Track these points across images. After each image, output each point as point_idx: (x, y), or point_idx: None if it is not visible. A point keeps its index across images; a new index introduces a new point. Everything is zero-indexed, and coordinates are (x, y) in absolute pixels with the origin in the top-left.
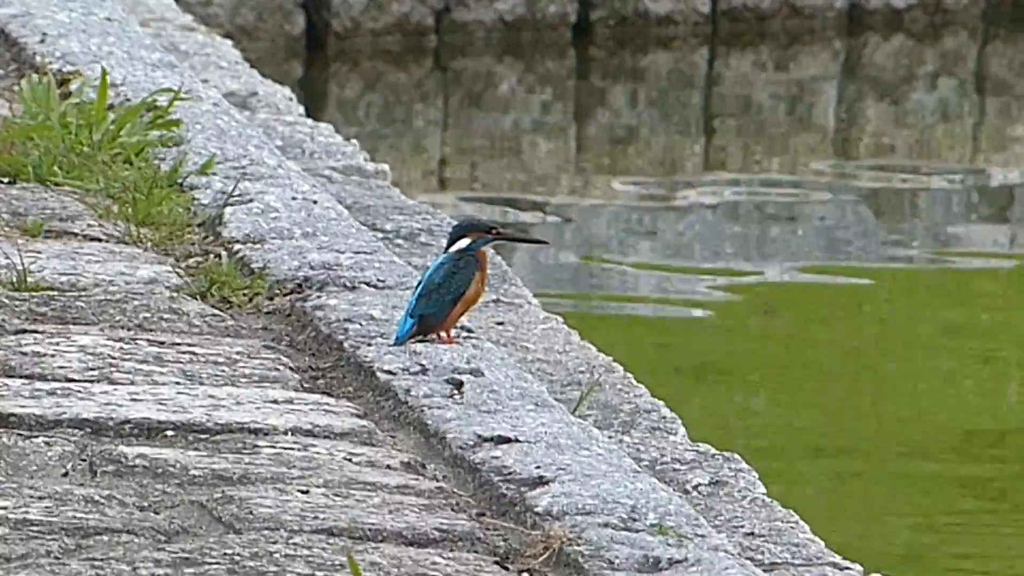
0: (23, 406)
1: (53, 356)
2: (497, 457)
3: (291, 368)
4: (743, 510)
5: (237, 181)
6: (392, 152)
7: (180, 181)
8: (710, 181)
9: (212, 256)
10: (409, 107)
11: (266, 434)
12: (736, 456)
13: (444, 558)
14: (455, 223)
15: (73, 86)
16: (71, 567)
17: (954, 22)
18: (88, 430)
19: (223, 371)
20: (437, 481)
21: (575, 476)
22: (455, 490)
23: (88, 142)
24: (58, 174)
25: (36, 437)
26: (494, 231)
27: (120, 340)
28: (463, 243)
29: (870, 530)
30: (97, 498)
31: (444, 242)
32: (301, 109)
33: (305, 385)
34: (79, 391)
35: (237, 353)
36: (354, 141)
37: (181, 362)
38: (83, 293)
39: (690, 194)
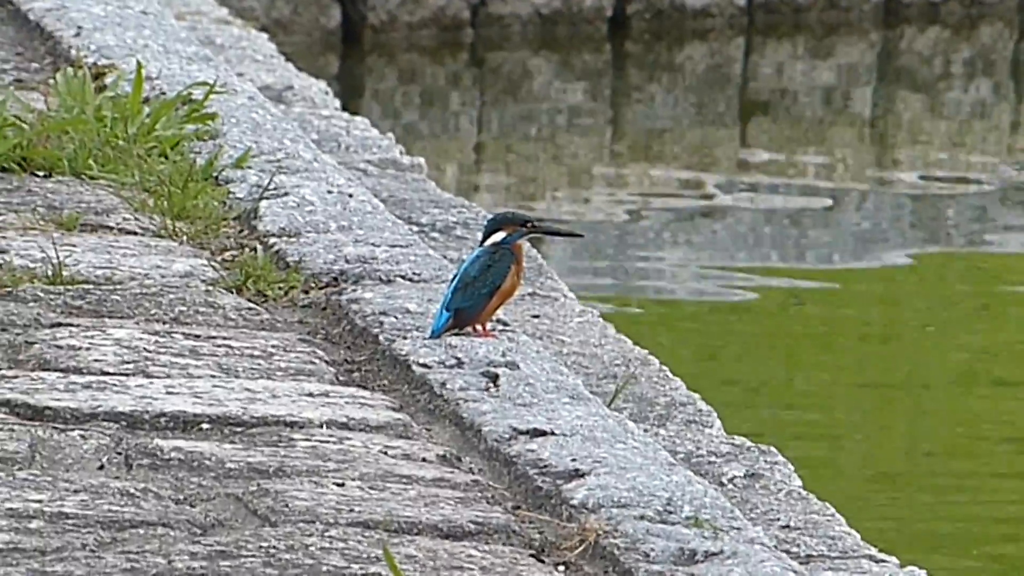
0: (59, 399)
1: (88, 350)
2: (533, 450)
3: (327, 361)
4: (779, 503)
5: (272, 175)
6: (428, 145)
7: (215, 175)
8: (746, 173)
9: (248, 250)
10: (445, 101)
11: (302, 427)
12: (772, 449)
13: (480, 551)
14: (490, 216)
15: (108, 79)
16: (107, 560)
17: (990, 14)
18: (124, 423)
19: (259, 364)
20: (473, 474)
21: (611, 469)
22: (491, 483)
23: (123, 136)
24: (93, 168)
25: (72, 430)
26: (529, 224)
27: (156, 333)
28: (498, 236)
29: (904, 522)
30: (133, 491)
31: (480, 235)
32: (337, 103)
33: (341, 378)
34: (115, 384)
35: (273, 346)
36: (390, 135)
37: (217, 355)
38: (118, 287)
39: (726, 186)
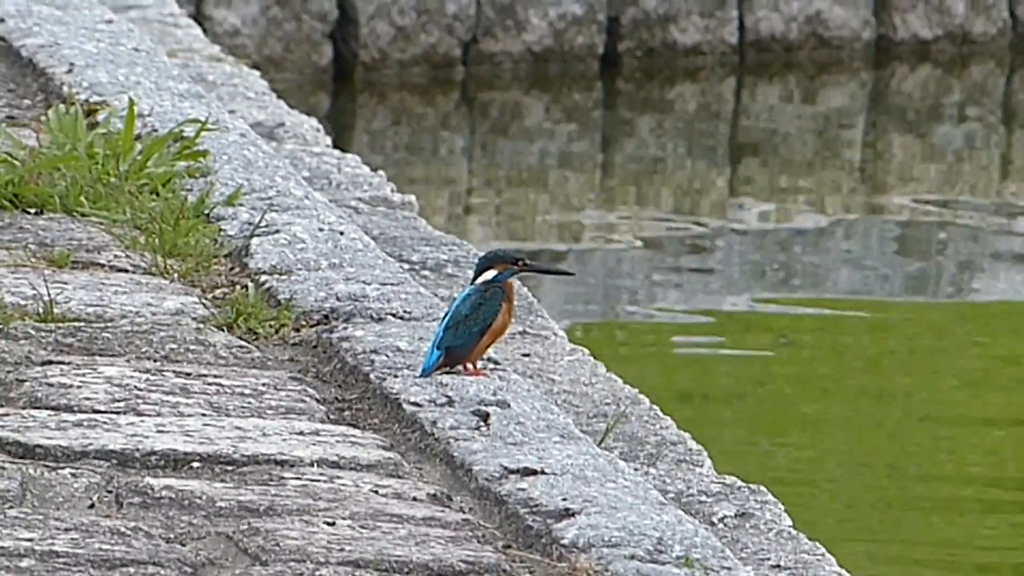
0: (49, 437)
1: (79, 387)
2: (523, 489)
3: (317, 400)
4: (769, 542)
5: (264, 212)
6: (419, 183)
7: (207, 212)
8: (736, 212)
9: (239, 287)
10: (436, 138)
11: (292, 466)
12: (762, 488)
13: None
14: (481, 254)
15: (100, 116)
16: None
17: (981, 52)
18: (114, 461)
19: (249, 403)
20: (463, 513)
21: (601, 508)
22: (481, 522)
23: (115, 172)
24: (85, 204)
25: (62, 468)
26: (520, 262)
27: (146, 371)
28: (490, 274)
29: (896, 565)
30: (123, 530)
31: (471, 273)
32: (328, 140)
33: (331, 417)
34: (105, 422)
35: (263, 384)
36: (381, 172)
37: (207, 393)
38: (109, 324)
39: (716, 225)
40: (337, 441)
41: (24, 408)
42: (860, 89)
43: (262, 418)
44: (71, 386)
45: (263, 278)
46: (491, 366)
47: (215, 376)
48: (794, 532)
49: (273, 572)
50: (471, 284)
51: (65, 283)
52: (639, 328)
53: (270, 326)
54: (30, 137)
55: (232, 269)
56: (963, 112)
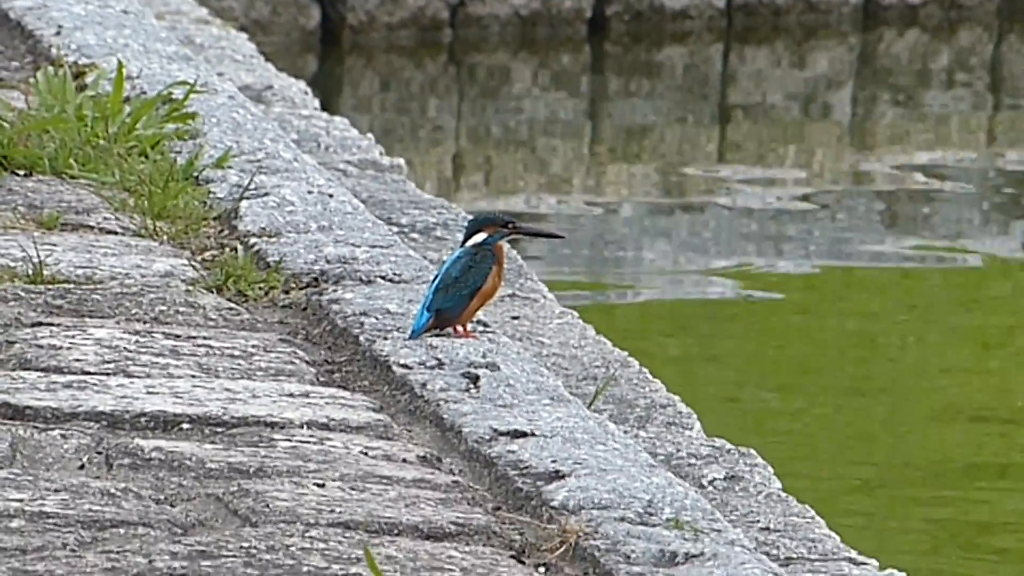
0: (39, 399)
1: (69, 349)
2: (513, 451)
3: (307, 362)
4: (759, 505)
5: (253, 175)
6: (407, 146)
7: (196, 174)
8: (724, 175)
9: (228, 249)
10: (423, 101)
11: (282, 427)
12: (751, 451)
13: (460, 552)
14: (471, 217)
15: (89, 79)
16: (87, 559)
17: (969, 17)
18: (104, 423)
19: (239, 364)
20: (453, 475)
21: (591, 470)
22: (471, 484)
23: (104, 135)
24: (74, 167)
25: (52, 430)
26: (511, 225)
27: (136, 333)
28: (479, 237)
29: (885, 525)
30: (113, 491)
31: (460, 236)
32: (316, 103)
33: (321, 379)
34: (95, 384)
35: (253, 346)
36: (369, 135)
37: (197, 355)
38: (99, 286)
39: (704, 187)
40: (327, 403)
41: (14, 370)
42: (848, 53)
43: (252, 380)
44: (61, 348)
45: (252, 240)
46: (481, 328)
47: (205, 338)
48: (783, 495)
49: (263, 533)
50: (461, 247)
51: (54, 245)
52: (627, 291)
53: (259, 288)
54: (19, 99)
55: (221, 231)
56: (951, 77)
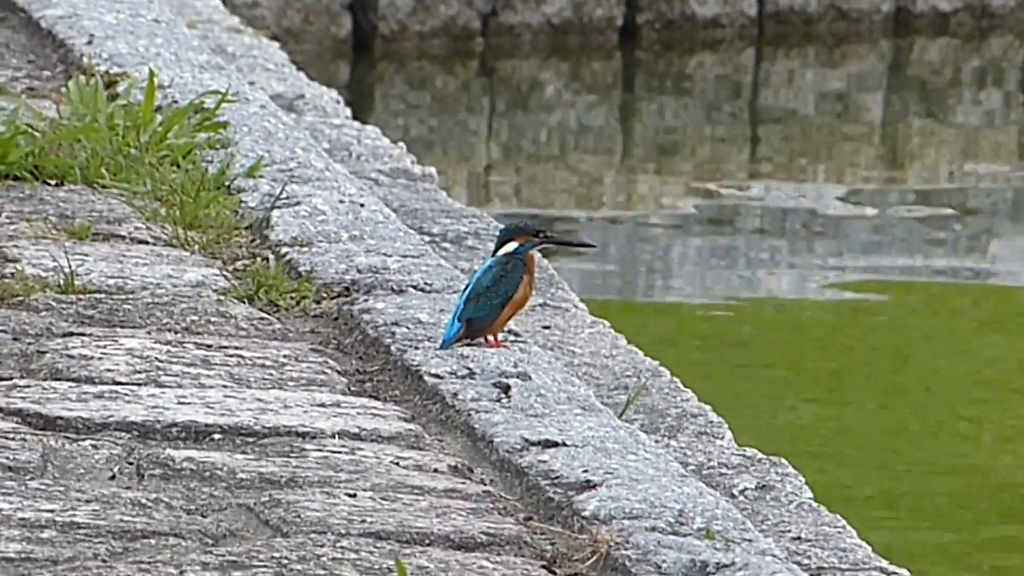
0: (70, 409)
1: (100, 359)
2: (544, 461)
3: (338, 371)
4: (790, 514)
5: (284, 184)
6: (438, 155)
7: (227, 183)
8: (756, 183)
9: (259, 259)
10: (455, 110)
11: (313, 437)
12: (783, 460)
13: (491, 562)
14: (502, 227)
15: (120, 88)
16: (118, 570)
17: (1000, 25)
18: (135, 433)
19: (270, 374)
20: (484, 485)
21: (622, 480)
22: (502, 494)
23: (135, 144)
24: (105, 176)
25: (83, 440)
26: (542, 234)
27: (167, 343)
28: (511, 246)
29: (916, 534)
30: (144, 501)
31: (491, 246)
32: (348, 112)
33: (352, 388)
34: (126, 394)
35: (284, 356)
36: (401, 144)
37: (228, 365)
38: (130, 296)
39: (736, 196)
40: (358, 413)
41: (45, 380)
42: (879, 61)
43: (283, 390)
44: (92, 358)
45: (284, 250)
46: (512, 338)
47: (236, 348)
48: (815, 504)
49: (294, 543)
50: (492, 256)
51: (86, 255)
52: (659, 301)
53: (291, 298)
54: (50, 109)
55: (253, 241)
56: (982, 84)
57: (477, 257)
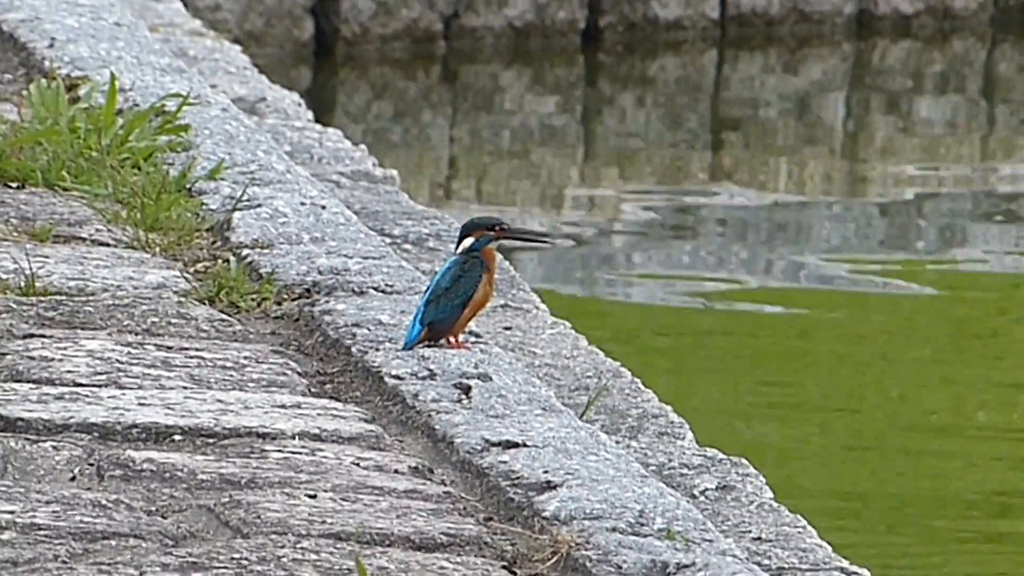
0: (31, 411)
1: (61, 361)
2: (505, 462)
3: (299, 373)
4: (750, 515)
5: (246, 186)
6: (400, 157)
7: (189, 186)
8: (717, 186)
9: (220, 261)
10: (417, 113)
11: (274, 438)
12: (743, 461)
13: (452, 563)
14: (462, 223)
15: (82, 91)
16: (79, 571)
17: (962, 27)
18: (96, 434)
19: (231, 376)
20: (445, 486)
21: (583, 481)
22: (463, 495)
23: (97, 147)
24: (66, 179)
25: (44, 441)
26: (498, 228)
27: (128, 345)
28: (468, 242)
29: (875, 536)
30: (105, 502)
31: (452, 247)
32: (310, 114)
33: (313, 390)
34: (87, 395)
35: (245, 358)
36: (362, 146)
37: (189, 367)
38: (91, 298)
39: (697, 198)
40: (319, 414)
41: (6, 381)
42: (841, 63)
43: (244, 391)
44: (53, 359)
45: (245, 252)
46: (473, 339)
47: (197, 349)
48: (775, 504)
49: (254, 544)
50: (454, 253)
51: (47, 257)
52: (619, 302)
53: (252, 300)
54: (12, 112)
55: (214, 243)
56: (944, 86)
57: (438, 259)
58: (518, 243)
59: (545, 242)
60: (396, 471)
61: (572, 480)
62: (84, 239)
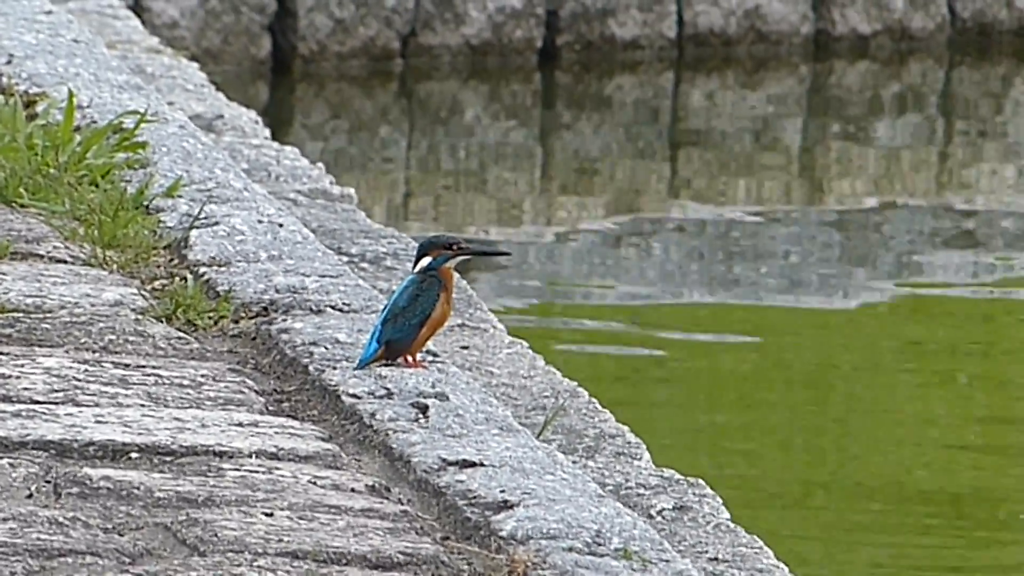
0: None
1: (18, 378)
2: (462, 481)
3: (256, 391)
4: (707, 535)
5: (203, 204)
6: (357, 175)
7: (146, 203)
8: (675, 208)
9: (178, 279)
10: (374, 131)
11: (231, 457)
12: (700, 481)
13: None
14: (420, 242)
15: (40, 107)
16: None
17: (920, 49)
18: (53, 452)
19: (188, 394)
20: (402, 505)
21: (540, 500)
22: (420, 514)
23: (54, 164)
24: (24, 196)
25: (0, 459)
26: (455, 246)
27: (85, 362)
28: (425, 262)
29: (835, 556)
30: (61, 520)
31: (409, 266)
32: (267, 132)
33: (270, 408)
34: (44, 413)
35: (202, 376)
36: (320, 164)
37: (146, 384)
38: (48, 315)
39: (655, 218)
40: (276, 432)
41: None
42: (799, 84)
43: (201, 409)
44: (9, 376)
45: (202, 270)
46: (430, 358)
47: (154, 367)
48: (732, 525)
49: (211, 563)
50: (412, 272)
51: (4, 274)
52: (577, 321)
53: (209, 318)
54: None
55: (171, 261)
56: (902, 107)
57: (395, 277)
58: (476, 259)
59: (503, 253)
60: (353, 490)
61: (529, 500)
62: (41, 256)
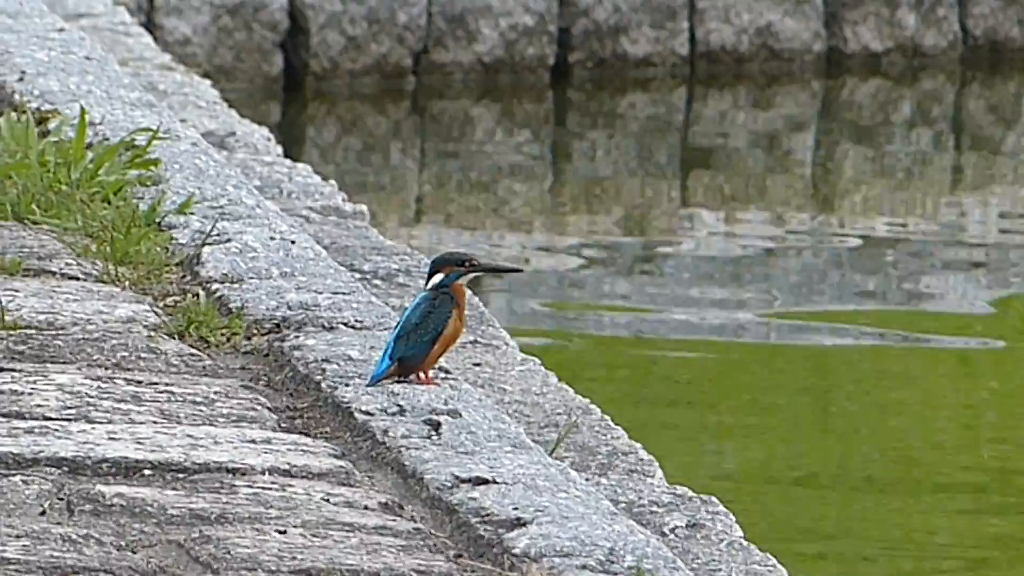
0: (0, 444)
1: (31, 395)
2: (475, 498)
3: (269, 408)
4: (720, 553)
5: (215, 221)
6: (369, 193)
7: (158, 220)
8: (686, 223)
9: (190, 295)
10: (386, 148)
11: (244, 474)
12: (713, 499)
13: None
14: (432, 259)
15: (52, 124)
16: None
17: (932, 65)
18: (66, 469)
19: (201, 410)
20: (415, 522)
21: (553, 518)
22: (433, 531)
23: (66, 181)
24: (36, 212)
25: (13, 475)
26: (467, 263)
27: (98, 379)
28: (437, 278)
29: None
30: (75, 537)
31: (422, 282)
32: (279, 149)
33: (283, 425)
34: (57, 430)
35: (215, 393)
36: (332, 181)
37: (159, 401)
38: (61, 332)
39: (666, 236)
40: (288, 449)
41: None
42: (811, 101)
43: (213, 426)
44: (22, 393)
45: (214, 286)
46: (442, 375)
47: (166, 384)
48: (745, 543)
49: None
50: (424, 289)
51: (16, 291)
52: (588, 339)
53: (221, 334)
54: None
55: (183, 277)
56: (914, 125)
57: (408, 294)
58: (489, 275)
59: (515, 269)
60: (366, 507)
61: (542, 517)
62: (54, 273)
